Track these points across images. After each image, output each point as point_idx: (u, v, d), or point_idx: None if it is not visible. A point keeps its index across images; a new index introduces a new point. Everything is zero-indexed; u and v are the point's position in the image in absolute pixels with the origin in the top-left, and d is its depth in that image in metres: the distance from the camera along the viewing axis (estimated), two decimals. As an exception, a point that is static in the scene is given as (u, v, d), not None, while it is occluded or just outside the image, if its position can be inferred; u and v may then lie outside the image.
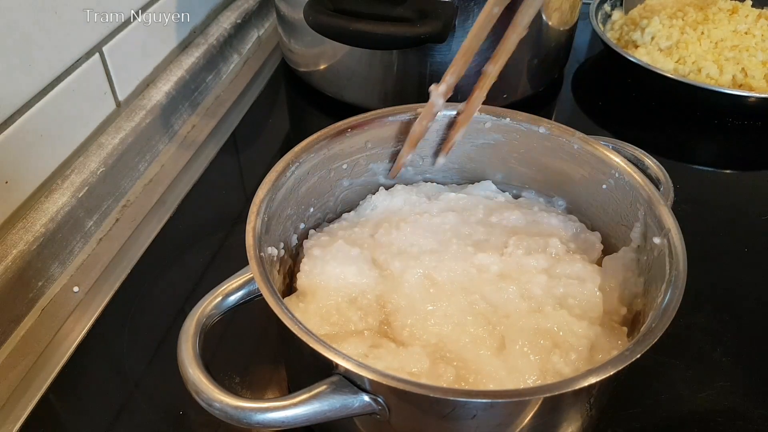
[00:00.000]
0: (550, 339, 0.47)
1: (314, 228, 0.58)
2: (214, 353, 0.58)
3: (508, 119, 0.58)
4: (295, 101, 0.93)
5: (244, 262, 0.45)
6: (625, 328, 0.50)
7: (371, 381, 0.38)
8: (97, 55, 0.71)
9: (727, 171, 0.82)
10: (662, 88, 0.83)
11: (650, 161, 0.55)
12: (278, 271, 0.53)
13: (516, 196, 0.62)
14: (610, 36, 0.96)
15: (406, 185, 0.62)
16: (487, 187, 0.62)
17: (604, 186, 0.55)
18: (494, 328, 0.49)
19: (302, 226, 0.57)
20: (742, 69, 0.85)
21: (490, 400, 0.39)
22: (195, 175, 0.78)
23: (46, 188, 0.66)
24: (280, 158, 0.53)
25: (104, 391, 0.56)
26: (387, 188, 0.61)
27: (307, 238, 0.57)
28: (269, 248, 0.49)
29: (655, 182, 0.53)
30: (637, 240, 0.52)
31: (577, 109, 0.91)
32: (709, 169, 0.82)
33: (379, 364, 0.45)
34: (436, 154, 0.61)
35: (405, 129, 0.58)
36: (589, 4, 0.95)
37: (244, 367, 0.57)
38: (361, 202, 0.61)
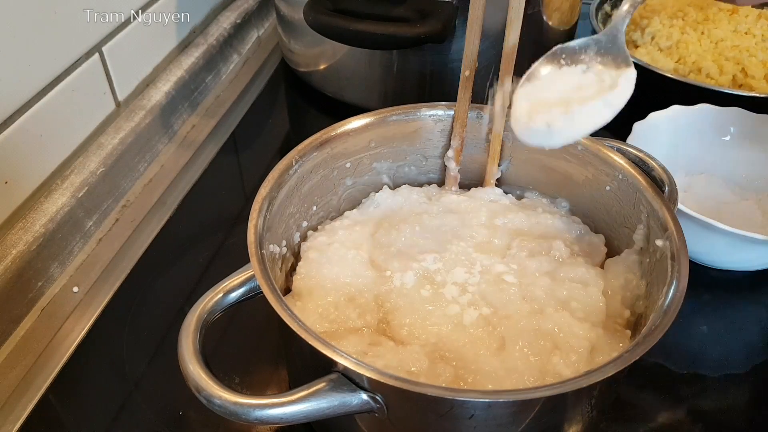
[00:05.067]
0: (550, 340, 0.47)
1: (317, 225, 0.58)
2: (214, 353, 0.58)
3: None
4: (295, 101, 0.93)
5: (243, 262, 0.45)
6: (628, 331, 0.50)
7: (370, 379, 0.38)
8: (96, 55, 0.71)
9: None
10: (662, 88, 0.83)
11: (655, 163, 0.55)
12: (280, 269, 0.53)
13: (519, 197, 0.62)
14: (610, 36, 0.96)
15: (410, 185, 0.62)
16: (492, 191, 0.61)
17: (607, 187, 0.55)
18: (494, 328, 0.49)
19: (305, 224, 0.57)
20: (742, 69, 0.84)
21: (488, 400, 0.39)
22: (195, 175, 0.78)
23: (45, 188, 0.66)
24: (280, 158, 0.53)
25: (104, 391, 0.56)
26: (391, 187, 0.61)
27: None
28: (271, 246, 0.49)
29: (659, 184, 0.53)
30: (640, 242, 0.52)
31: (577, 109, 0.91)
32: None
33: (378, 363, 0.45)
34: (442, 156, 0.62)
35: (408, 129, 0.59)
36: (589, 4, 0.95)
37: (244, 367, 0.57)
38: (364, 200, 0.61)
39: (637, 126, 0.70)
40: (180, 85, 0.84)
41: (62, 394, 0.55)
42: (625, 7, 0.49)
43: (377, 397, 0.39)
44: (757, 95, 0.79)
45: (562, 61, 0.48)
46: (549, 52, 0.48)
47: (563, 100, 0.47)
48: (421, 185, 0.63)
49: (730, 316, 0.63)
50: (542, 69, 0.48)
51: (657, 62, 0.87)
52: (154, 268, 0.66)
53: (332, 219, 0.60)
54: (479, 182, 0.62)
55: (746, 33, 0.89)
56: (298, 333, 0.39)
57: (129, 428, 0.53)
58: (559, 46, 0.48)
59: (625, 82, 0.49)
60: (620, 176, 0.54)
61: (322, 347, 0.39)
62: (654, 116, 0.72)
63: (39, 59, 0.63)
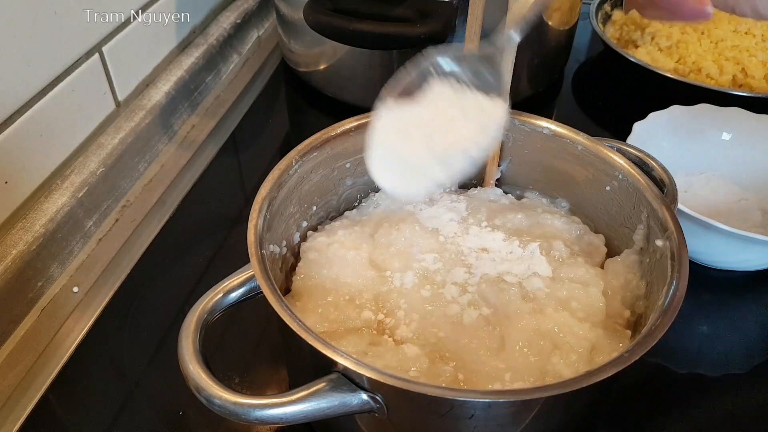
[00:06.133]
0: (550, 340, 0.47)
1: (317, 226, 0.58)
2: (213, 353, 0.57)
3: (511, 119, 0.58)
4: (295, 101, 0.93)
5: (243, 262, 0.45)
6: (628, 332, 0.50)
7: (370, 379, 0.38)
8: (96, 55, 0.71)
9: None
10: (662, 88, 0.83)
11: (655, 163, 0.55)
12: (280, 269, 0.53)
13: (519, 197, 0.62)
14: (610, 36, 0.96)
15: None
16: (492, 191, 0.61)
17: (607, 187, 0.55)
18: (494, 328, 0.49)
19: (305, 224, 0.57)
20: (742, 69, 0.85)
21: (488, 400, 0.39)
22: (195, 175, 0.78)
23: (45, 188, 0.66)
24: (280, 158, 0.53)
25: (104, 391, 0.56)
26: None
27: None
28: (271, 246, 0.49)
29: (659, 184, 0.53)
30: (640, 242, 0.52)
31: (577, 110, 0.91)
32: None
33: (378, 363, 0.45)
34: None
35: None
36: (589, 4, 0.95)
37: (244, 367, 0.57)
38: (363, 200, 0.61)
39: (637, 126, 0.70)
40: (180, 85, 0.84)
41: (62, 394, 0.55)
42: (514, 35, 0.41)
43: (377, 397, 0.39)
44: (757, 95, 0.79)
45: (432, 70, 0.42)
46: (416, 61, 0.42)
47: (428, 139, 0.43)
48: (421, 185, 0.62)
49: (730, 316, 0.63)
50: (407, 83, 0.42)
51: (657, 62, 0.87)
52: (154, 268, 0.66)
53: (332, 219, 0.60)
54: (479, 182, 0.62)
55: (746, 33, 0.90)
56: (298, 333, 0.39)
57: (129, 428, 0.53)
58: (429, 50, 0.42)
59: (494, 117, 0.43)
60: (620, 176, 0.54)
61: (322, 347, 0.39)
62: (654, 116, 0.72)
63: (39, 59, 0.63)
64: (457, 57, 0.41)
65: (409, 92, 0.42)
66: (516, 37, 0.41)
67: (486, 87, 0.42)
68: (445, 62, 0.42)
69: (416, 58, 0.42)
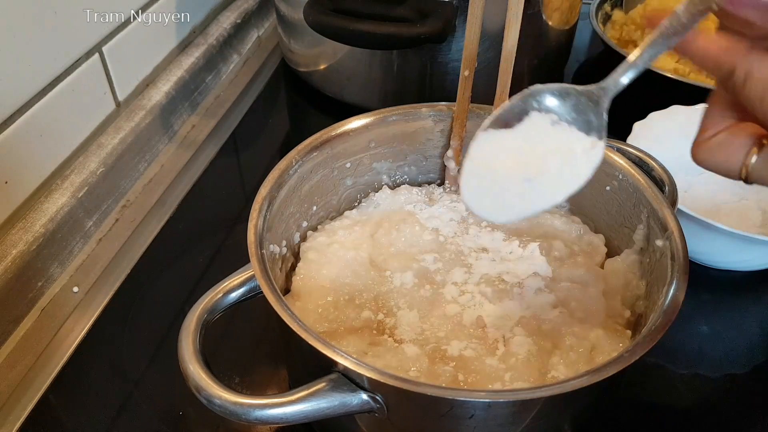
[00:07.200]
0: (550, 340, 0.47)
1: (317, 226, 0.58)
2: (214, 353, 0.57)
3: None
4: (295, 101, 0.93)
5: (243, 262, 0.45)
6: (628, 332, 0.50)
7: (370, 379, 0.38)
8: (96, 55, 0.71)
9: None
10: (662, 88, 0.83)
11: (655, 163, 0.55)
12: (280, 269, 0.53)
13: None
14: (610, 36, 0.96)
15: (410, 185, 0.62)
16: None
17: (607, 187, 0.55)
18: (494, 328, 0.49)
19: (305, 224, 0.57)
20: (743, 69, 0.84)
21: (488, 400, 0.39)
22: (195, 175, 0.78)
23: (45, 188, 0.66)
24: (280, 158, 0.53)
25: (104, 391, 0.56)
26: (391, 187, 0.61)
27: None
28: (271, 246, 0.49)
29: (659, 184, 0.53)
30: (640, 242, 0.52)
31: (577, 110, 0.91)
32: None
33: (378, 363, 0.45)
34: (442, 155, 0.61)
35: (408, 129, 0.59)
36: (589, 4, 0.95)
37: (244, 367, 0.57)
38: (363, 200, 0.61)
39: (637, 126, 0.70)
40: (180, 85, 0.84)
41: (62, 394, 0.55)
42: (623, 79, 0.40)
43: (377, 397, 0.39)
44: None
45: (534, 104, 0.42)
46: (522, 93, 0.42)
47: (521, 165, 0.42)
48: (420, 185, 0.63)
49: (730, 316, 0.63)
50: (507, 113, 0.42)
51: (657, 62, 0.86)
52: (154, 268, 0.66)
53: (332, 219, 0.60)
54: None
55: (746, 33, 0.89)
56: (298, 333, 0.39)
57: (129, 428, 0.53)
58: (536, 86, 0.42)
59: (590, 156, 0.43)
60: (620, 176, 0.54)
61: (322, 347, 0.39)
62: (654, 116, 0.72)
63: (39, 59, 0.63)
64: (560, 91, 0.41)
65: (508, 121, 0.41)
66: (624, 82, 0.40)
67: (585, 126, 0.42)
68: (548, 96, 0.41)
69: (522, 91, 0.41)
